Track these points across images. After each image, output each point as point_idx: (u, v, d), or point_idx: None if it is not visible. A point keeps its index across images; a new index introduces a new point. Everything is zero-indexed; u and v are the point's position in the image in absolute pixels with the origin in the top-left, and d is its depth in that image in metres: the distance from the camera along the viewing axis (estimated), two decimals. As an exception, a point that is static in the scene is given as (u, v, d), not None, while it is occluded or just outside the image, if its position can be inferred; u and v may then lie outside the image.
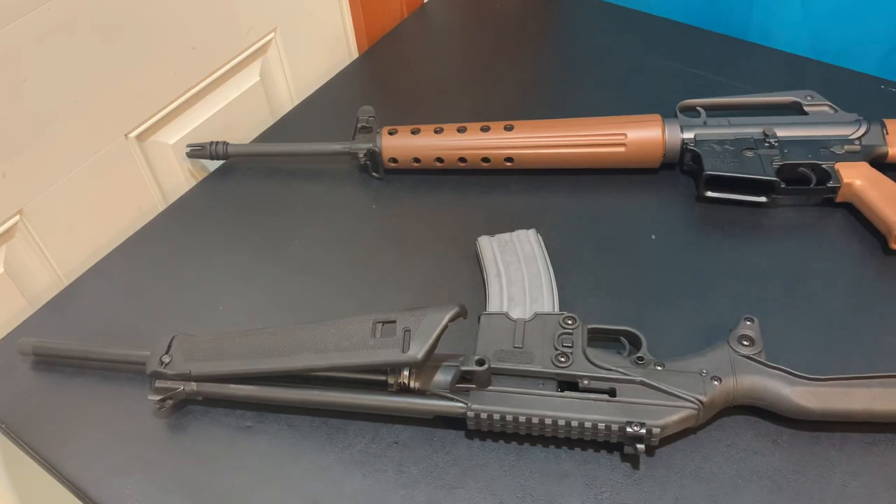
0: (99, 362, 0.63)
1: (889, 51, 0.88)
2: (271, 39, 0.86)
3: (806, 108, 0.77)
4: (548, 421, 0.55)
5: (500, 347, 0.59)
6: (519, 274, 0.66)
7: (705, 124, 0.75)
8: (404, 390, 0.58)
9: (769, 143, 0.73)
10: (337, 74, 0.93)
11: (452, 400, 0.57)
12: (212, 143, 0.79)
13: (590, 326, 0.60)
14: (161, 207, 0.80)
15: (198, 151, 0.80)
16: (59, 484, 0.60)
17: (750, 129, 0.75)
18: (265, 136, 0.86)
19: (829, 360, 0.61)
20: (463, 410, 0.57)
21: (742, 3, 0.94)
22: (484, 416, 0.56)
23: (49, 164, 0.69)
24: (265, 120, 0.88)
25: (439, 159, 0.76)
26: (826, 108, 0.76)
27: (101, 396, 0.63)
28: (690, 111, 0.77)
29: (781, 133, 0.74)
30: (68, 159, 0.71)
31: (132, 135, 0.75)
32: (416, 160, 0.77)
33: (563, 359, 0.57)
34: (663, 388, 0.56)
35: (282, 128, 0.87)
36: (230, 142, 0.80)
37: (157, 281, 0.72)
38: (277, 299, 0.69)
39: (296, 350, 0.57)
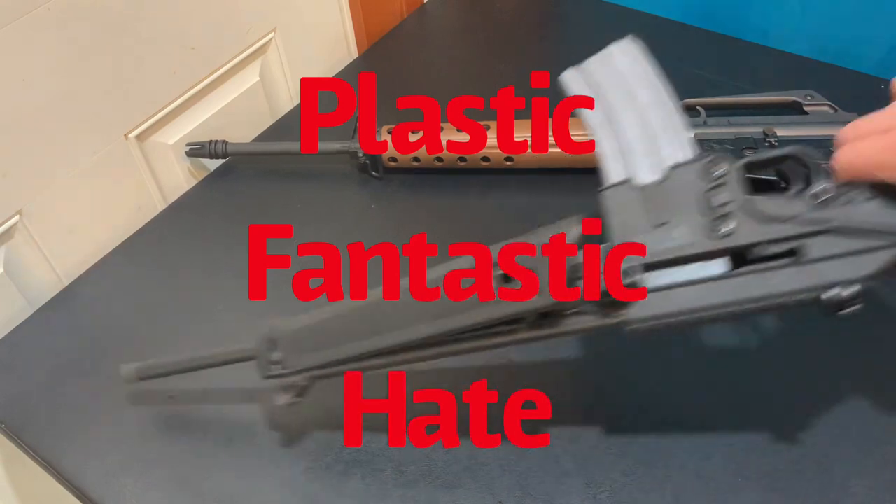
0: (206, 368, 0.58)
1: (889, 51, 0.88)
2: (271, 39, 0.86)
3: (806, 108, 0.77)
4: (726, 311, 0.44)
5: (636, 232, 0.46)
6: (631, 113, 0.49)
7: (705, 124, 0.75)
8: (543, 316, 0.48)
9: (769, 142, 0.73)
10: (337, 74, 0.93)
11: (605, 315, 0.46)
12: (211, 141, 0.79)
13: (744, 161, 0.45)
14: (161, 207, 0.80)
15: (197, 150, 0.80)
16: (58, 484, 0.60)
17: (750, 128, 0.75)
18: (265, 136, 0.86)
19: (829, 358, 0.61)
20: (617, 322, 0.46)
21: (742, 3, 0.94)
22: (650, 325, 0.45)
23: (49, 164, 0.69)
24: (265, 120, 0.88)
25: (439, 159, 0.76)
26: (826, 108, 0.76)
27: (101, 396, 0.63)
28: (690, 111, 0.77)
29: (781, 133, 0.74)
30: (68, 159, 0.71)
31: (132, 135, 0.75)
32: (416, 160, 0.77)
33: (723, 225, 0.44)
34: (861, 226, 0.43)
35: (282, 128, 0.87)
36: (230, 141, 0.80)
37: (157, 281, 0.72)
38: (277, 298, 0.69)
39: (415, 318, 0.49)
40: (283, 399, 0.54)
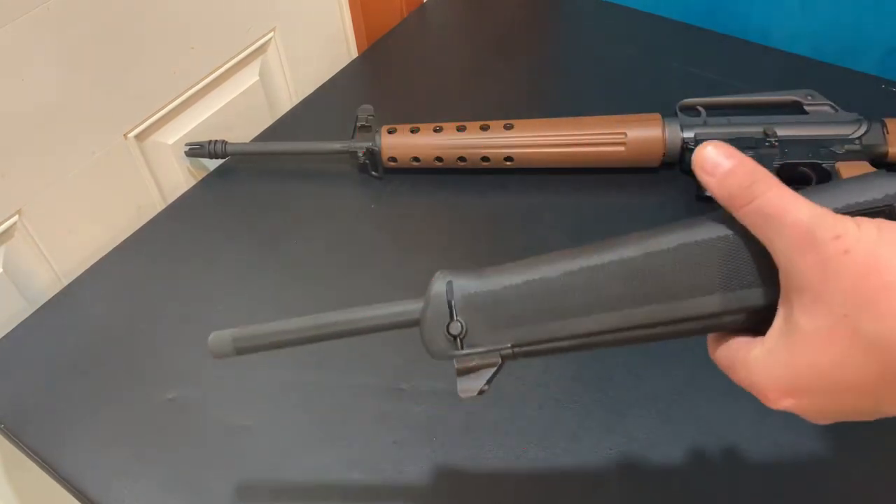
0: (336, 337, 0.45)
1: (889, 51, 0.88)
2: (270, 39, 0.86)
3: (806, 108, 0.77)
4: None
5: None
6: None
7: (705, 123, 0.75)
8: None
9: (769, 142, 0.73)
10: (336, 74, 0.93)
11: None
12: (210, 141, 0.79)
13: None
14: (160, 207, 0.80)
15: (196, 150, 0.79)
16: (58, 485, 0.60)
17: (750, 128, 0.75)
18: (264, 136, 0.86)
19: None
20: None
21: (743, 3, 0.94)
22: None
23: (48, 164, 0.69)
24: (264, 119, 0.88)
25: (438, 158, 0.76)
26: (826, 108, 0.76)
27: (101, 396, 0.63)
28: (690, 110, 0.77)
29: (782, 132, 0.74)
30: (67, 159, 0.71)
31: (131, 135, 0.75)
32: (416, 159, 0.77)
33: None
34: None
35: (281, 127, 0.87)
36: (229, 141, 0.80)
37: (156, 281, 0.72)
38: (277, 298, 0.69)
39: (667, 295, 0.38)
40: (477, 386, 0.40)
